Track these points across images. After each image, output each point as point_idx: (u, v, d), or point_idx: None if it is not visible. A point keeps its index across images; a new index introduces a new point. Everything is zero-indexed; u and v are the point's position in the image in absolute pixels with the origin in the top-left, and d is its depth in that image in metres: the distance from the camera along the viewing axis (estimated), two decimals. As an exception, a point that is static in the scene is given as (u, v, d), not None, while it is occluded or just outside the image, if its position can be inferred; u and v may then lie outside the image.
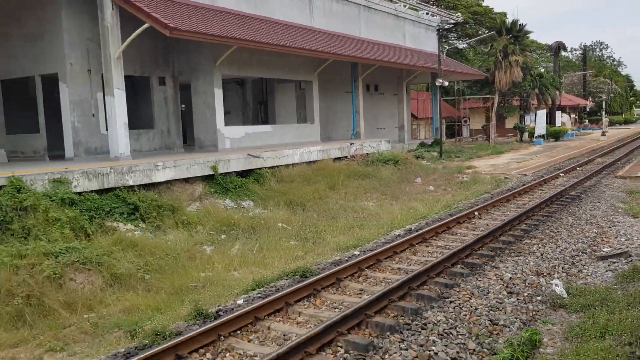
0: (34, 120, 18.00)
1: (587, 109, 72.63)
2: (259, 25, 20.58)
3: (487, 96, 43.70)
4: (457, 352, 6.14)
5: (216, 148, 19.80)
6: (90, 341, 7.67)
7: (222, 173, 17.44)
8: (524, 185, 18.06)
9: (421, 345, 6.09)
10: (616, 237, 11.44)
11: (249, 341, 6.47)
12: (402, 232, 11.99)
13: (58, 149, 18.20)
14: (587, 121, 73.07)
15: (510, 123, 50.50)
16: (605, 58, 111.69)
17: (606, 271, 9.27)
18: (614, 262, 9.65)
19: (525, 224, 12.11)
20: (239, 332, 6.62)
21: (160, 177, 15.43)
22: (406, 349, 5.93)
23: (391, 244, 10.26)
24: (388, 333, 6.31)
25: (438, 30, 30.73)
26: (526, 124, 47.47)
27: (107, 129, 17.96)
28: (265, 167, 19.16)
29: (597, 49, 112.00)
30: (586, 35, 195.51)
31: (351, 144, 24.66)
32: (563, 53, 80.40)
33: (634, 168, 21.79)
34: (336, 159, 22.97)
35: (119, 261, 10.22)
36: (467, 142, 42.35)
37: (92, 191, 13.60)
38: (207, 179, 17.20)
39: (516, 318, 7.22)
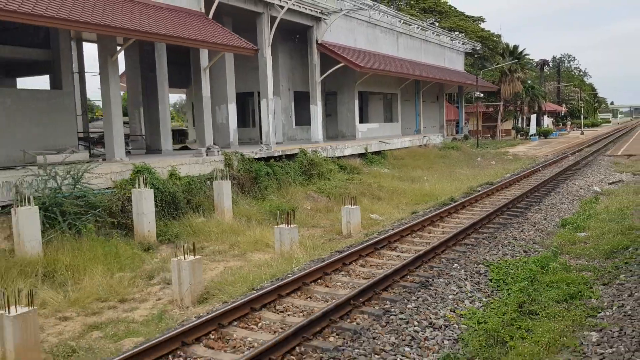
0: (251, 119, 28.84)
1: (562, 114, 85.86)
2: (377, 58, 31.82)
3: (495, 103, 55.67)
4: (573, 199, 17.58)
5: (354, 137, 30.95)
6: (411, 207, 18.70)
7: (370, 152, 28.63)
8: (551, 160, 29.75)
9: (560, 196, 17.48)
10: (613, 177, 23.13)
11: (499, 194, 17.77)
12: (509, 176, 23.43)
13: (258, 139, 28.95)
14: (561, 124, 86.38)
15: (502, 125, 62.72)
16: (572, 69, 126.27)
17: (614, 186, 20.89)
18: (617, 183, 21.30)
19: (567, 172, 23.69)
20: (501, 188, 17.88)
21: (345, 152, 26.51)
22: (555, 196, 17.32)
23: (512, 178, 21.58)
24: (544, 196, 17.69)
25: (473, 54, 42.39)
26: (517, 125, 59.84)
27: (294, 125, 29.04)
28: (385, 150, 30.43)
29: (566, 61, 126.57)
30: (549, 40, 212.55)
31: (424, 136, 36.16)
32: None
33: (614, 151, 33.93)
34: (418, 146, 34.35)
35: (382, 185, 21.39)
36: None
37: (324, 158, 24.55)
38: (360, 155, 28.29)
39: (586, 195, 18.70)
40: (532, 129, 56.12)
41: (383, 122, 36.64)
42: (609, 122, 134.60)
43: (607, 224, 13.32)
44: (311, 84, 27.36)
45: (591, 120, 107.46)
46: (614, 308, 7.50)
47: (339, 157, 25.62)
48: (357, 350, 6.07)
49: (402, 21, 35.41)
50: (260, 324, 7.13)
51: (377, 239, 11.05)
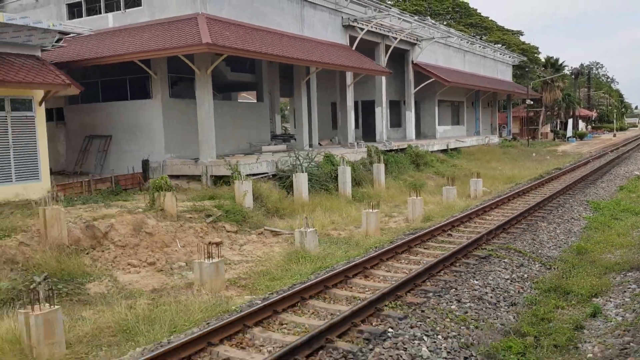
0: (357, 122, 36.56)
1: (593, 118, 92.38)
2: (452, 73, 39.40)
3: (536, 109, 62.80)
4: (622, 178, 24.99)
5: (434, 137, 38.57)
6: (504, 184, 26.21)
7: (450, 148, 36.23)
8: (595, 155, 36.96)
9: (613, 176, 24.91)
10: (649, 167, 30.41)
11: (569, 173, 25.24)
12: (568, 165, 30.77)
13: (366, 137, 36.77)
14: (590, 127, 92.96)
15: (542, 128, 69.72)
16: (600, 76, 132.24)
17: (650, 172, 28.20)
18: (652, 170, 28.63)
19: (612, 163, 30.94)
20: (568, 172, 25.36)
21: (434, 148, 34.09)
22: (609, 176, 24.74)
23: (572, 166, 28.93)
24: (601, 176, 25.13)
25: (523, 68, 49.75)
26: (555, 128, 66.90)
27: (389, 127, 36.75)
28: (460, 147, 38.01)
29: (594, 68, 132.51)
30: (564, 47, 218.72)
31: (485, 137, 43.66)
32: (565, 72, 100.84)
33: (646, 149, 41.11)
34: (482, 144, 41.83)
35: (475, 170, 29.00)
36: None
37: (425, 151, 32.14)
38: (443, 151, 35.85)
39: (631, 176, 26.07)
40: (569, 131, 63.14)
41: (451, 125, 44.16)
42: (636, 126, 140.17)
43: (649, 190, 20.79)
44: (407, 95, 35.09)
45: (619, 125, 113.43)
46: (660, 216, 15.07)
47: (431, 152, 33.23)
48: (546, 222, 13.75)
49: (469, 42, 43.02)
50: (482, 220, 14.78)
51: (511, 193, 18.67)
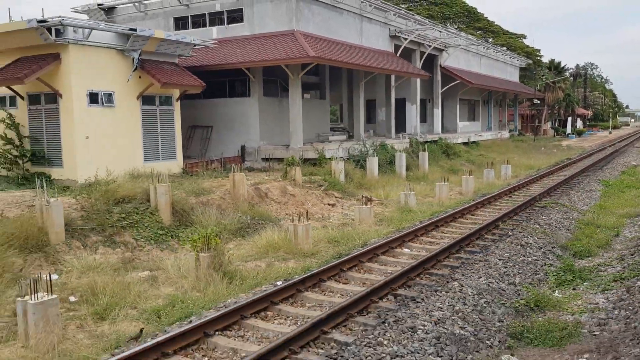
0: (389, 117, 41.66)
1: (588, 117, 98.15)
2: (472, 75, 44.60)
3: (539, 107, 68.27)
4: (622, 166, 30.32)
5: (455, 131, 43.81)
6: (525, 171, 31.45)
7: (471, 141, 41.50)
8: (596, 149, 42.31)
9: (614, 164, 30.25)
10: (644, 159, 35.80)
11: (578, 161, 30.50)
12: (576, 156, 36.09)
13: (396, 130, 41.92)
14: (587, 125, 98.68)
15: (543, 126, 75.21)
16: (595, 76, 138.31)
17: (645, 162, 33.60)
18: (646, 161, 34.02)
19: (612, 155, 36.26)
20: (578, 161, 30.64)
21: (458, 140, 39.34)
22: (611, 164, 30.08)
23: (579, 157, 34.23)
24: (606, 164, 30.46)
25: (529, 70, 55.06)
26: (555, 126, 72.42)
27: (418, 121, 42.01)
28: (478, 140, 43.30)
29: (589, 69, 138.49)
30: (561, 44, 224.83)
31: (498, 132, 48.98)
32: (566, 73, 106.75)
33: (640, 145, 46.59)
34: (495, 138, 47.13)
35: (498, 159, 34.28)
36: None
37: (453, 143, 37.37)
38: (464, 144, 41.12)
39: (629, 164, 31.39)
40: (569, 129, 68.69)
41: (468, 121, 49.42)
42: (628, 124, 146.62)
43: (645, 175, 26.13)
44: (435, 94, 40.29)
45: (612, 123, 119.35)
46: (655, 189, 20.38)
47: (456, 144, 38.47)
48: (574, 190, 18.99)
49: (485, 47, 48.31)
50: (527, 189, 19.97)
51: (538, 175, 23.90)
